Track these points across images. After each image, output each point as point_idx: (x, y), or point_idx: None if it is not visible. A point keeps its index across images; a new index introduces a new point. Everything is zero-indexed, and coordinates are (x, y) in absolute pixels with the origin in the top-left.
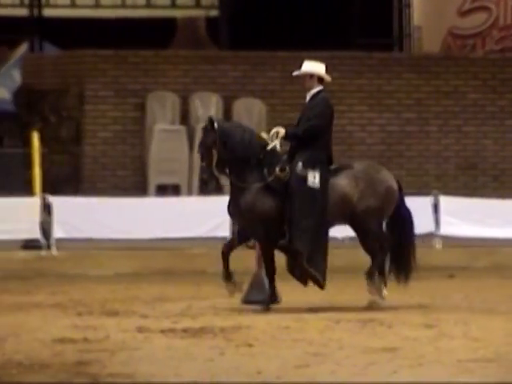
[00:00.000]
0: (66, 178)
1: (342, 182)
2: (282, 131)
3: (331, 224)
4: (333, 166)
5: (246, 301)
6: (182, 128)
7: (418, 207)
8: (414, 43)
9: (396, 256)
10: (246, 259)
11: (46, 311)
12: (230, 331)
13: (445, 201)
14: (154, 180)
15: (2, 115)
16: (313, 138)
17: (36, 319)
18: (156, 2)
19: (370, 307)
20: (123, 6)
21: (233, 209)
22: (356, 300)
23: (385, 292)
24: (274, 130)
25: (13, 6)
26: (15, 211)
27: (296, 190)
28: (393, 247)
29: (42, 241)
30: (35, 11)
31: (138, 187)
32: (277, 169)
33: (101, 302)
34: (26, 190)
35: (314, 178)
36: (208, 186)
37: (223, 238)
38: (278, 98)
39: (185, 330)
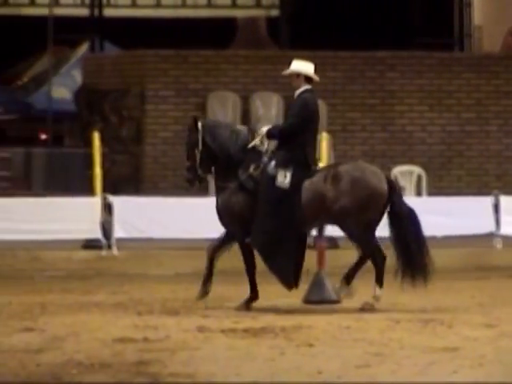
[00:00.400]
0: (127, 178)
1: (318, 182)
2: (264, 130)
3: (308, 225)
4: (318, 167)
5: (307, 301)
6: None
7: (479, 207)
8: (474, 43)
9: (406, 257)
10: (307, 259)
11: (106, 311)
12: (290, 331)
13: (505, 201)
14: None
15: (62, 115)
16: (288, 137)
17: (96, 319)
18: (217, 1)
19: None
20: (184, 5)
21: (216, 208)
22: (416, 300)
23: (378, 292)
24: (260, 130)
25: (74, 6)
26: (76, 211)
27: (263, 189)
28: (400, 249)
29: (103, 241)
30: (96, 11)
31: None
32: (251, 168)
33: (161, 302)
34: (87, 189)
35: (283, 178)
36: (192, 186)
37: None
38: (339, 97)
39: (245, 330)
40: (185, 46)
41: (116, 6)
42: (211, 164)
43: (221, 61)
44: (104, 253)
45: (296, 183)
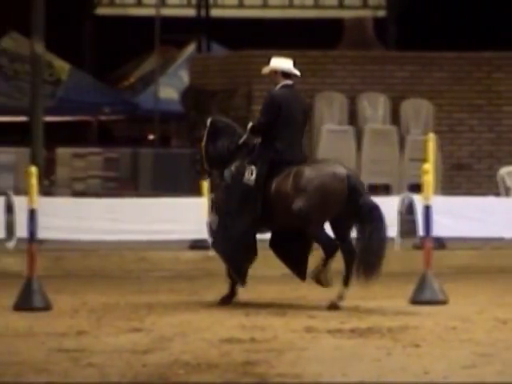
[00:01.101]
0: None
1: (281, 181)
2: (249, 126)
3: (275, 223)
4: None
5: (414, 301)
6: (350, 128)
7: None
8: None
9: (360, 254)
10: (414, 259)
11: (213, 311)
12: (397, 331)
13: None
14: None
15: (169, 116)
16: (258, 134)
17: (203, 319)
18: (324, 2)
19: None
20: (291, 6)
21: None
22: None
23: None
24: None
25: (181, 6)
26: (183, 211)
27: (231, 185)
28: (360, 246)
29: (210, 241)
30: (203, 11)
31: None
32: (233, 164)
33: (268, 303)
34: (194, 190)
35: (250, 175)
36: (203, 177)
37: (390, 239)
38: (446, 98)
39: (352, 330)
40: (292, 46)
41: (223, 7)
42: (215, 160)
43: (328, 61)
44: (211, 253)
45: (260, 180)
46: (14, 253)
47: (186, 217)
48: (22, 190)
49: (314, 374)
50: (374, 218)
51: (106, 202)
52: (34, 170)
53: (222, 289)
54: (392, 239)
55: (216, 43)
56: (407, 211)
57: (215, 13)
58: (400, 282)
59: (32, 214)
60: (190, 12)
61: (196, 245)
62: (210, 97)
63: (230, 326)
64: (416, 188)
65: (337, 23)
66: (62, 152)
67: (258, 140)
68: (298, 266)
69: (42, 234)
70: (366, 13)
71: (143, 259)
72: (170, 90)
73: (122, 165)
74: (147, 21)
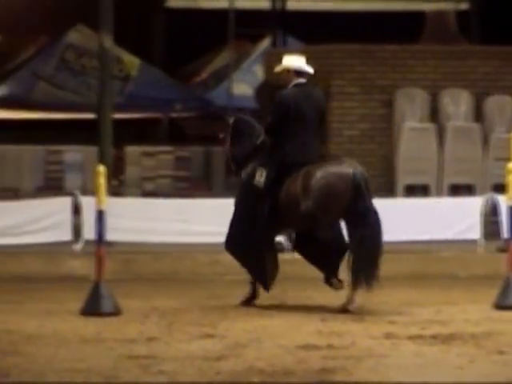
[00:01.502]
0: None
1: (291, 182)
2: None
3: (285, 226)
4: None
5: (499, 306)
6: (432, 126)
7: None
8: None
9: (360, 260)
10: (498, 262)
11: (288, 316)
12: (480, 338)
13: None
14: (402, 180)
15: (243, 112)
16: (268, 135)
17: (279, 325)
18: None
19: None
20: None
21: None
22: None
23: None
24: None
25: None
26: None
27: (245, 187)
28: (355, 250)
29: (285, 243)
30: (278, 4)
31: (385, 187)
32: (249, 167)
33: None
34: None
35: (260, 177)
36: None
37: (473, 241)
38: None
39: (434, 337)
40: (371, 40)
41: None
42: (240, 160)
43: (408, 56)
44: (287, 256)
45: (269, 183)
46: (81, 255)
47: None
48: (90, 190)
49: (393, 382)
50: (367, 222)
51: (178, 202)
52: (102, 169)
53: (298, 292)
54: (475, 241)
55: (292, 37)
56: (491, 212)
57: (291, 5)
58: (483, 285)
59: (100, 215)
60: (265, 4)
61: None
62: None
63: (306, 331)
64: (500, 188)
65: (418, 16)
66: (132, 150)
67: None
68: (324, 266)
69: (110, 235)
70: (448, 6)
71: (216, 262)
72: (243, 85)
73: (193, 164)
74: (220, 14)
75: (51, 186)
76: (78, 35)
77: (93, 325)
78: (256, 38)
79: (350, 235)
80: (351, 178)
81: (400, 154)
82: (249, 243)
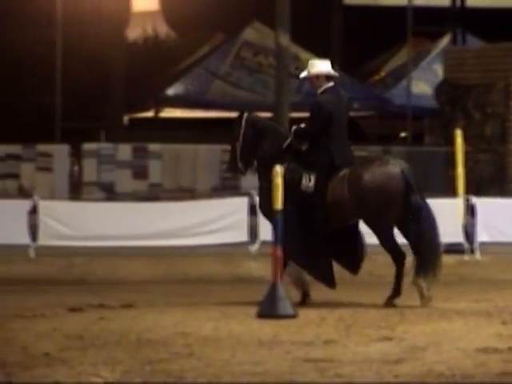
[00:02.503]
0: (491, 178)
1: (336, 185)
2: (293, 130)
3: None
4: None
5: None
6: None
7: None
8: None
9: (420, 254)
10: None
11: (468, 319)
12: None
13: None
14: None
15: (422, 112)
16: (304, 140)
17: (458, 327)
18: None
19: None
20: None
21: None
22: None
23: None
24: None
25: None
26: (437, 213)
27: (289, 193)
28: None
29: (465, 245)
30: (458, 1)
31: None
32: (278, 169)
33: None
34: (448, 190)
35: (307, 182)
36: (234, 175)
37: None
38: None
39: None
40: None
41: None
42: (251, 159)
43: None
44: (467, 257)
45: (320, 187)
46: (258, 257)
47: (441, 219)
48: None
49: None
50: (421, 217)
51: None
52: (279, 169)
53: (478, 295)
54: None
55: (471, 35)
56: None
57: (471, 2)
58: None
59: (277, 216)
60: (444, 1)
61: (451, 248)
62: (466, 92)
63: (486, 334)
64: None
65: None
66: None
67: (304, 145)
68: (346, 262)
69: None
70: None
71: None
72: (422, 84)
73: None
74: (398, 11)
75: (227, 186)
76: (254, 33)
77: (269, 327)
78: (435, 36)
79: (406, 233)
80: (400, 177)
81: None
82: (311, 249)
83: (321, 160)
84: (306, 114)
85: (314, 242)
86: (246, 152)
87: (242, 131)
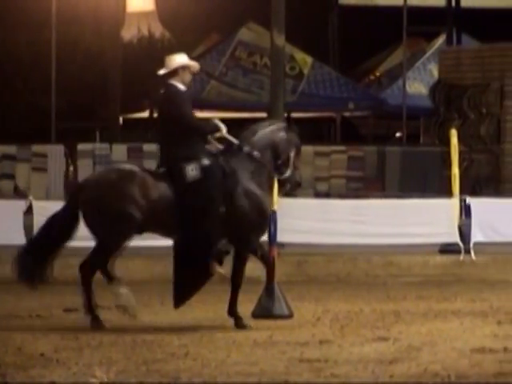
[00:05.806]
0: (486, 178)
1: None
2: None
3: None
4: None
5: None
6: None
7: None
8: None
9: None
10: None
11: (463, 319)
12: None
13: None
14: None
15: (417, 112)
16: None
17: (453, 328)
18: None
19: None
20: None
21: None
22: None
23: None
24: None
25: None
26: (432, 213)
27: None
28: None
29: (461, 245)
30: (453, 1)
31: None
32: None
33: None
34: (444, 190)
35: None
36: None
37: None
38: None
39: None
40: None
41: None
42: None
43: None
44: (462, 257)
45: None
46: (253, 257)
47: (436, 219)
48: None
49: None
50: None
51: (351, 203)
52: None
53: (473, 295)
54: None
55: (466, 35)
56: None
57: (466, 2)
58: None
59: (272, 216)
60: (440, 2)
61: (446, 249)
62: (461, 92)
63: (482, 334)
64: None
65: None
66: (304, 150)
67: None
68: None
69: (282, 237)
70: None
71: (391, 264)
72: (418, 84)
73: (367, 164)
74: (394, 11)
75: None
76: (249, 33)
77: (264, 327)
78: (430, 36)
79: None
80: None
81: None
82: None
83: None
84: (302, 114)
85: None
86: None
87: None
